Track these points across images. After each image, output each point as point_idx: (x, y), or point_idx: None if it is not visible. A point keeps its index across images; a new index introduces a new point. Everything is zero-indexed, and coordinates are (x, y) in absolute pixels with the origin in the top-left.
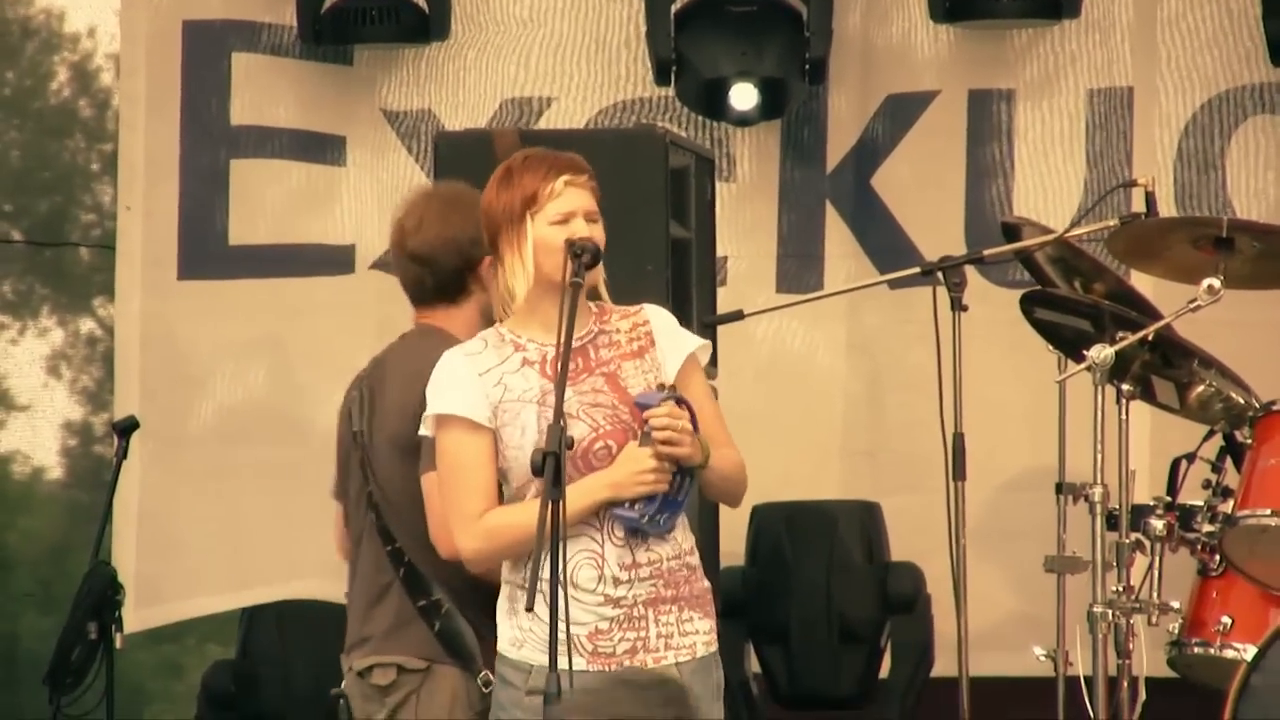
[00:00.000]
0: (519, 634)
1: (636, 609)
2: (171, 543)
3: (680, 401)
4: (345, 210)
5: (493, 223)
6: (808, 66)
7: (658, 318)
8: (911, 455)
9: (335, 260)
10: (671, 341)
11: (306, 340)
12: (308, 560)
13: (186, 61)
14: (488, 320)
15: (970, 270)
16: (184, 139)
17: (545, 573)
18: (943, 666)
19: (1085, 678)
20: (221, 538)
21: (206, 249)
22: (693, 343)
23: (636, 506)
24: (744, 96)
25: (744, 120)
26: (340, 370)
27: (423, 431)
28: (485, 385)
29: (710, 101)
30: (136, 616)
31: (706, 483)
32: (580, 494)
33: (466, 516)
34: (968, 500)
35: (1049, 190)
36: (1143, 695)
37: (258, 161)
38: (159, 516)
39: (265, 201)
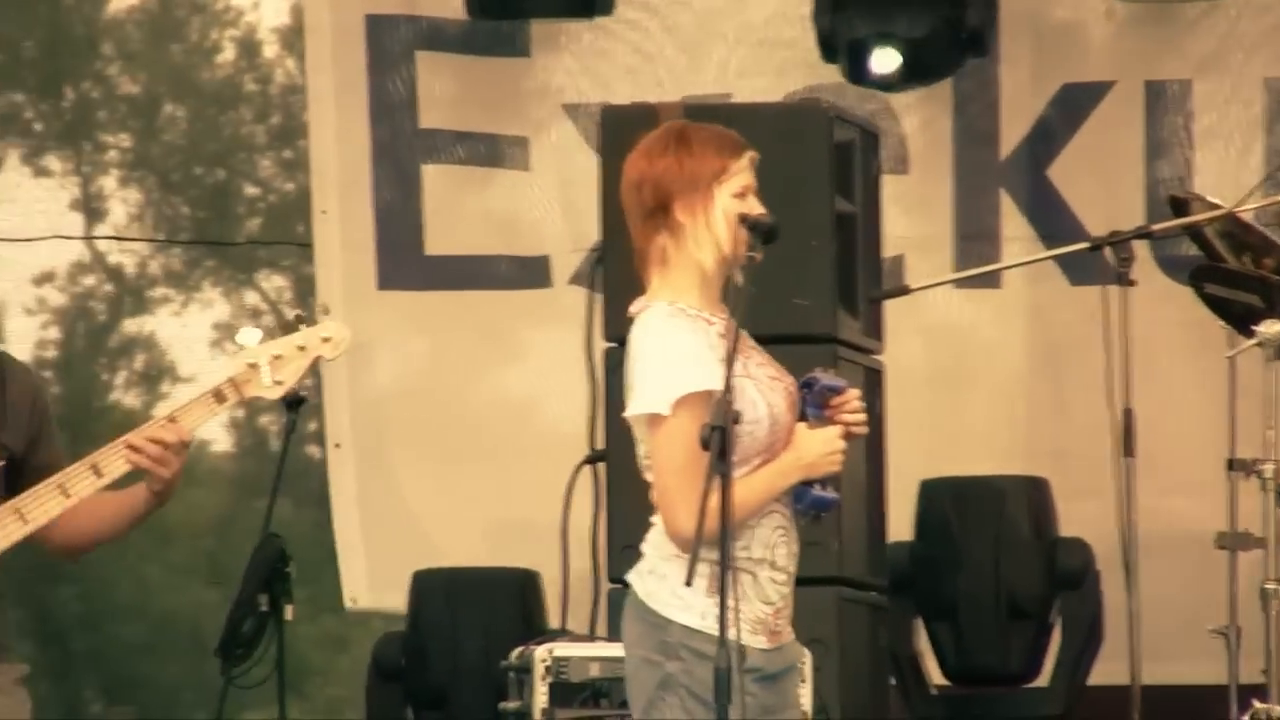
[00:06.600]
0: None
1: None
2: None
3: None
4: (534, 218)
5: (665, 190)
6: (965, 35)
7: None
8: (1089, 455)
9: (530, 273)
10: None
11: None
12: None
13: (372, 58)
14: None
15: (1149, 264)
16: (374, 141)
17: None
18: (1113, 673)
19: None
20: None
21: (403, 258)
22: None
23: (829, 487)
24: (884, 60)
25: (887, 85)
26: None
27: (648, 411)
28: (715, 358)
29: (854, 66)
30: (370, 596)
31: None
32: (777, 474)
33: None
34: (1139, 480)
35: (1227, 183)
36: None
37: (447, 168)
38: (374, 507)
39: (456, 209)
